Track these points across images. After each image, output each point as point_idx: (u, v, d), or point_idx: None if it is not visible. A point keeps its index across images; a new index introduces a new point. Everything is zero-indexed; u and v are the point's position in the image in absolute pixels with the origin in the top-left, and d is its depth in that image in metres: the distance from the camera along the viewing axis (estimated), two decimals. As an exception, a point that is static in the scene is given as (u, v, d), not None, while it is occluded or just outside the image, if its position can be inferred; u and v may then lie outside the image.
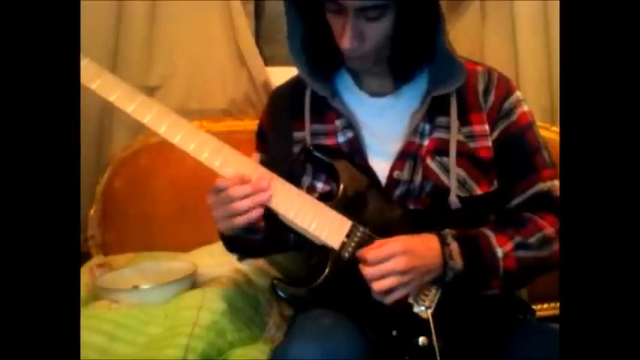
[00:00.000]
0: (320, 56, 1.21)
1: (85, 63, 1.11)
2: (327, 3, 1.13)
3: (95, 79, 1.12)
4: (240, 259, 1.34)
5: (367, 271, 1.08)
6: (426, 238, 1.12)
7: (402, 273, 1.08)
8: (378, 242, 1.11)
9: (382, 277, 1.08)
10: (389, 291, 1.08)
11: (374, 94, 1.24)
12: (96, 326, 1.32)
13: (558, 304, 1.61)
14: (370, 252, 1.09)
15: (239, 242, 1.22)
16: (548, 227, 1.17)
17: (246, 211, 1.09)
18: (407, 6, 1.12)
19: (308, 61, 1.22)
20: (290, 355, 1.03)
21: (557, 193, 1.20)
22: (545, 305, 1.68)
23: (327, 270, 1.13)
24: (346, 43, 1.12)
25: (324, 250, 1.14)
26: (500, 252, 1.14)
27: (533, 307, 1.25)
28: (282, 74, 1.43)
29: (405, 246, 1.09)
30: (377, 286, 1.08)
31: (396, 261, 1.07)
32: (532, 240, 1.16)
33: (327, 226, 1.13)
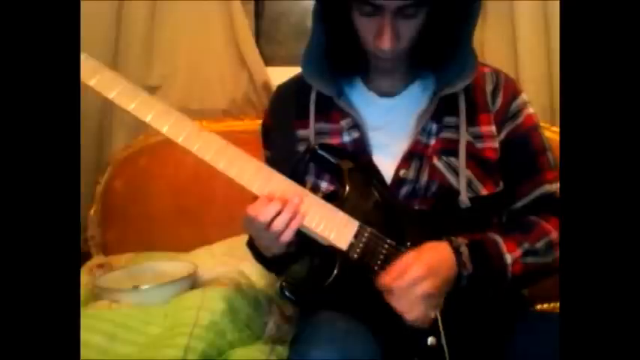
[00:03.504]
0: (340, 63, 1.21)
1: (82, 58, 1.08)
2: (361, 6, 1.11)
3: (93, 75, 1.09)
4: (281, 274, 1.29)
5: (398, 305, 1.08)
6: (441, 251, 1.11)
7: (429, 296, 1.08)
8: (398, 268, 1.09)
9: (413, 306, 1.07)
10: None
11: (382, 94, 1.24)
12: (96, 326, 1.32)
13: (558, 305, 1.61)
14: (394, 282, 1.07)
15: (283, 259, 1.20)
16: (554, 231, 1.17)
17: (287, 226, 1.08)
18: (441, 1, 1.12)
19: (326, 68, 1.21)
20: (309, 358, 1.03)
21: None
22: (545, 305, 1.68)
23: (335, 271, 1.13)
24: (386, 43, 1.11)
25: (328, 250, 1.14)
26: (509, 258, 1.14)
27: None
28: (282, 74, 1.43)
29: (427, 268, 1.07)
30: (410, 316, 1.08)
31: (422, 287, 1.07)
32: (539, 245, 1.16)
33: (335, 227, 1.12)
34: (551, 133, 1.73)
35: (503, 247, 1.14)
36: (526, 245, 1.15)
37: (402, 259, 1.10)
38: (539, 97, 1.89)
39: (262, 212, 1.07)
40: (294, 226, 1.08)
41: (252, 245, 1.24)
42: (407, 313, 1.08)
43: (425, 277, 1.07)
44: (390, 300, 1.08)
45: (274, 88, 1.41)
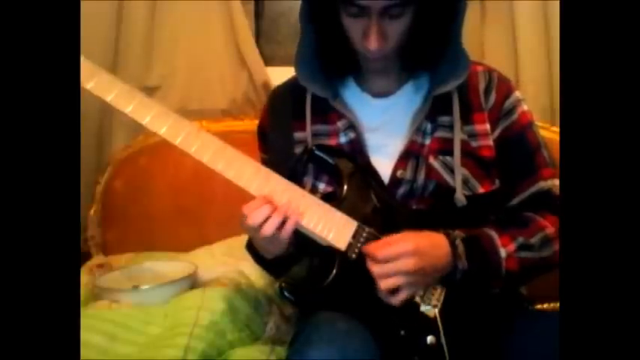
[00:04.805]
0: (331, 63, 1.21)
1: None
2: (347, 7, 1.12)
3: (91, 78, 1.09)
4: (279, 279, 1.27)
5: (375, 268, 1.08)
6: (435, 239, 1.12)
7: (410, 273, 1.07)
8: (388, 239, 1.10)
9: (389, 275, 1.07)
10: (394, 290, 1.08)
11: (376, 94, 1.24)
12: (96, 326, 1.32)
13: (558, 304, 1.61)
14: (380, 249, 1.08)
15: (283, 261, 1.20)
16: (550, 227, 1.17)
17: (279, 229, 1.08)
18: (426, 1, 1.12)
19: (318, 69, 1.21)
20: (309, 358, 1.03)
21: (558, 192, 1.20)
22: (545, 305, 1.68)
23: (334, 271, 1.13)
24: (373, 43, 1.11)
25: (327, 251, 1.14)
26: (503, 252, 1.14)
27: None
28: (282, 74, 1.43)
29: (415, 246, 1.08)
30: (384, 284, 1.07)
31: (405, 261, 1.07)
32: (534, 240, 1.16)
33: (334, 228, 1.12)
34: (551, 133, 1.73)
35: (498, 241, 1.15)
36: (521, 240, 1.15)
37: (395, 235, 1.10)
38: (539, 97, 1.89)
39: (251, 216, 1.08)
40: (289, 226, 1.08)
41: (251, 247, 1.24)
42: (383, 280, 1.07)
43: (411, 254, 1.07)
44: (370, 266, 1.08)
45: (274, 87, 1.41)
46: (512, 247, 1.15)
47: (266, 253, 1.18)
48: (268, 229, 1.07)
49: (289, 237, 1.09)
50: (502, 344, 1.12)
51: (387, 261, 1.07)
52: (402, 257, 1.07)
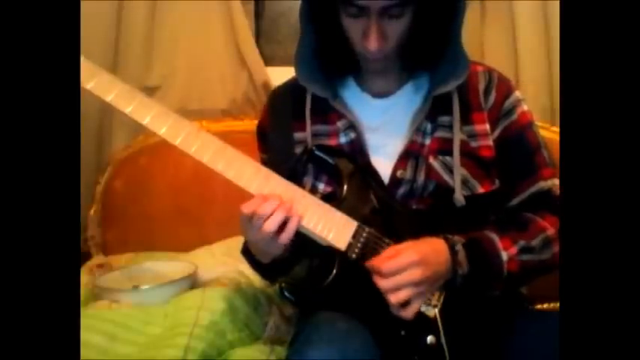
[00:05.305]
0: (331, 63, 1.21)
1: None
2: (346, 7, 1.12)
3: (91, 78, 1.09)
4: (275, 281, 1.28)
5: (383, 283, 1.07)
6: (436, 245, 1.12)
7: (417, 284, 1.07)
8: (391, 252, 1.09)
9: (399, 288, 1.07)
10: (405, 303, 1.08)
11: (376, 94, 1.24)
12: (96, 326, 1.32)
13: (558, 304, 1.61)
14: (385, 263, 1.07)
15: (280, 265, 1.19)
16: (550, 228, 1.17)
17: (281, 228, 1.07)
18: (426, 1, 1.12)
19: (318, 69, 1.22)
20: (309, 358, 1.02)
21: (558, 192, 1.20)
22: (545, 305, 1.68)
23: (334, 271, 1.13)
24: (373, 43, 1.11)
25: (327, 251, 1.14)
26: (505, 256, 1.14)
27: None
28: (282, 74, 1.43)
29: (420, 255, 1.07)
30: (394, 298, 1.07)
31: (411, 272, 1.06)
32: (535, 242, 1.16)
33: (334, 228, 1.12)
34: (551, 133, 1.73)
35: (499, 244, 1.15)
36: (522, 243, 1.15)
37: (396, 245, 1.10)
38: (539, 97, 1.89)
39: (262, 207, 1.07)
40: (292, 225, 1.08)
41: (246, 252, 1.24)
42: (392, 294, 1.07)
43: (416, 264, 1.07)
44: (377, 281, 1.08)
45: (274, 87, 1.41)
46: (513, 250, 1.15)
47: (263, 256, 1.17)
48: (271, 224, 1.06)
49: (291, 237, 1.09)
50: (502, 344, 1.12)
51: (393, 274, 1.07)
52: (409, 268, 1.06)
